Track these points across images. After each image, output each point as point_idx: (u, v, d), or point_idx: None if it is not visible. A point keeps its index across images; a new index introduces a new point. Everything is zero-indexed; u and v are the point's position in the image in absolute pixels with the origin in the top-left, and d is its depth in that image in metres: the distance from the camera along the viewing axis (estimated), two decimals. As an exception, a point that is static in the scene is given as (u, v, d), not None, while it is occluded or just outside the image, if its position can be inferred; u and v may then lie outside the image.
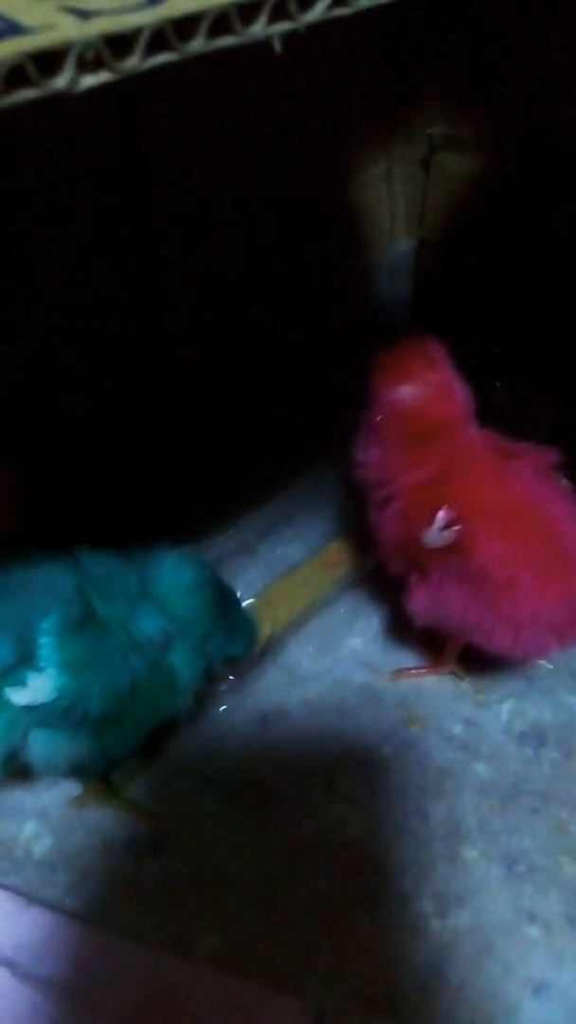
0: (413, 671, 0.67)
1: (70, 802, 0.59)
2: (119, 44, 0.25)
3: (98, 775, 0.58)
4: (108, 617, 0.51)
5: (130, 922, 0.54)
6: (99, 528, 0.55)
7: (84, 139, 0.60)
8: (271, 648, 0.67)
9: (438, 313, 0.81)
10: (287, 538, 0.73)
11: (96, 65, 0.25)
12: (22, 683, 0.48)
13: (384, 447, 0.58)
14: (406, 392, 0.56)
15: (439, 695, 0.65)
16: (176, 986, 0.49)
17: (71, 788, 0.60)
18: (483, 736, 0.63)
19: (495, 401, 0.64)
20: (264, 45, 0.29)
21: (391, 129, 0.81)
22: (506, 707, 0.64)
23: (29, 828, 0.58)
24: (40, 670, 0.48)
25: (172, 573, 0.54)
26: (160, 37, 0.26)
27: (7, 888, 0.54)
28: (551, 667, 0.66)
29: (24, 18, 0.24)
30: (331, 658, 0.68)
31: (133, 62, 0.26)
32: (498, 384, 0.72)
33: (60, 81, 0.25)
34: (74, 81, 0.25)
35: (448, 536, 0.53)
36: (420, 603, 0.59)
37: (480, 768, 0.61)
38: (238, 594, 0.65)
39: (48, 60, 0.24)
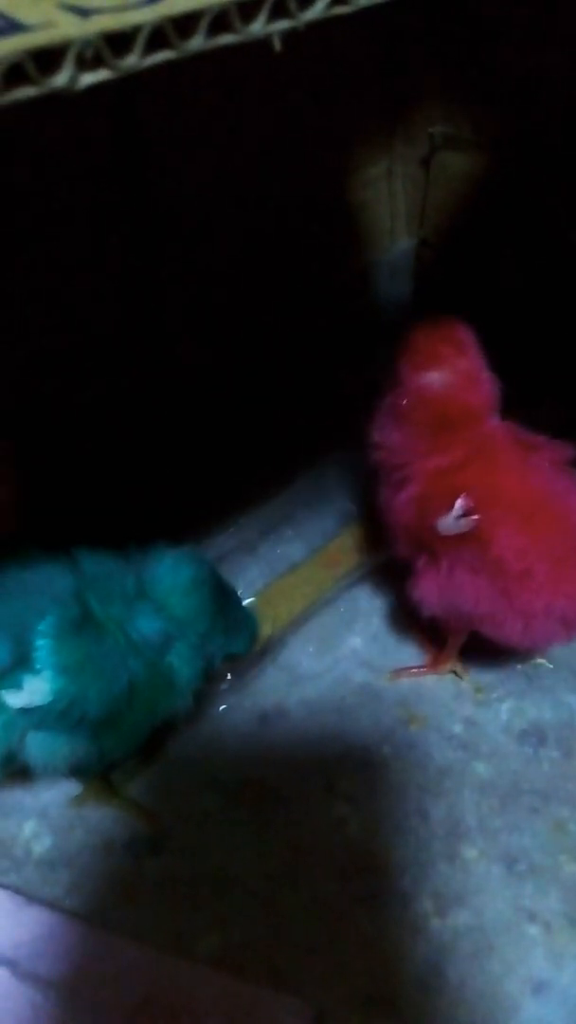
0: (413, 670, 0.66)
1: (70, 801, 0.59)
2: (119, 42, 0.25)
3: (98, 775, 0.58)
4: (105, 618, 0.51)
5: (130, 921, 0.53)
6: (99, 528, 0.55)
7: (84, 138, 0.60)
8: (271, 647, 0.67)
9: (439, 312, 0.81)
10: (287, 537, 0.73)
11: (96, 63, 0.25)
12: (18, 686, 0.47)
13: (405, 431, 0.57)
14: (434, 378, 0.55)
15: (439, 694, 0.65)
16: (176, 986, 0.49)
17: (71, 787, 0.60)
18: (483, 735, 0.63)
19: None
20: (264, 43, 0.29)
21: (391, 128, 0.81)
22: (506, 706, 0.64)
23: (29, 827, 0.58)
24: (36, 672, 0.48)
25: (170, 572, 0.54)
26: (160, 35, 0.26)
27: (7, 887, 0.54)
28: (551, 666, 0.66)
29: (24, 16, 0.24)
30: (331, 657, 0.68)
31: (133, 60, 0.26)
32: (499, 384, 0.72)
33: (60, 79, 0.24)
34: (74, 79, 0.25)
35: (464, 525, 0.53)
36: (428, 591, 0.58)
37: (480, 767, 0.61)
38: (238, 593, 0.65)
39: (48, 58, 0.24)
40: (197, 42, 0.27)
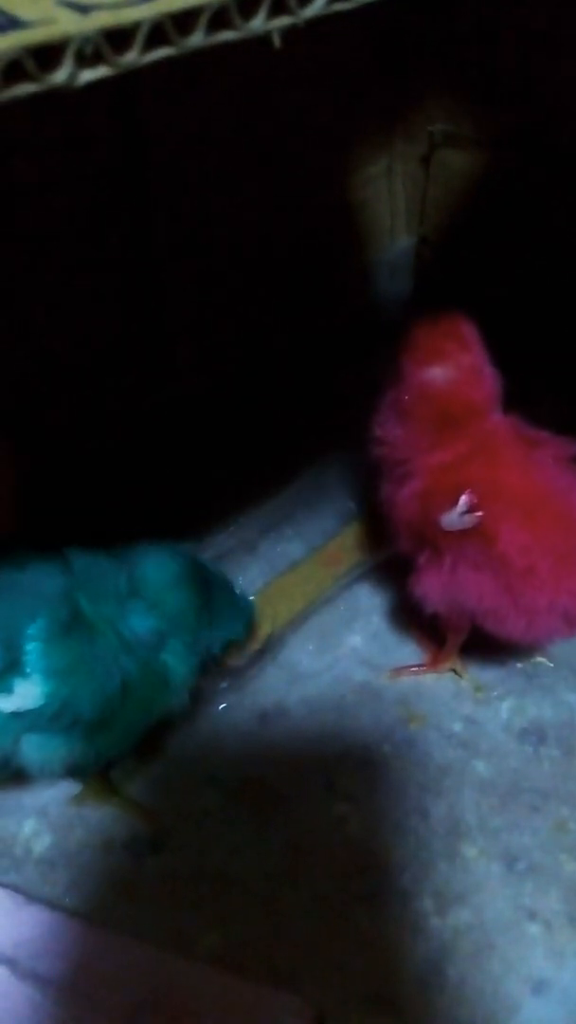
0: (413, 669, 0.66)
1: (70, 800, 0.59)
2: (118, 38, 0.25)
3: (97, 774, 0.58)
4: (97, 618, 0.50)
5: (130, 920, 0.53)
6: (99, 528, 0.55)
7: (84, 137, 0.60)
8: (271, 646, 0.67)
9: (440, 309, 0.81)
10: (287, 536, 0.73)
11: (95, 60, 0.25)
12: (9, 690, 0.47)
13: (408, 427, 0.57)
14: (437, 374, 0.55)
15: (439, 693, 0.65)
16: (176, 984, 0.49)
17: (71, 786, 0.60)
18: (483, 734, 0.62)
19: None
20: (264, 40, 0.29)
21: (391, 126, 0.81)
22: (506, 705, 0.64)
23: (29, 826, 0.58)
24: (27, 676, 0.47)
25: (156, 569, 0.53)
26: (159, 32, 0.26)
27: (6, 886, 0.54)
28: (551, 665, 0.66)
29: (23, 12, 0.24)
30: (331, 656, 0.68)
31: (132, 57, 0.26)
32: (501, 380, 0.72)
33: (59, 76, 0.24)
34: (73, 76, 0.25)
35: (468, 520, 0.53)
36: (431, 587, 0.58)
37: (480, 766, 0.61)
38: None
39: (47, 54, 0.24)
40: (197, 39, 0.27)
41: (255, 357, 0.79)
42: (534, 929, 0.53)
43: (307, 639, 0.69)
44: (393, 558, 0.67)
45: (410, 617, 0.68)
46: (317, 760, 0.61)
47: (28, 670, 0.47)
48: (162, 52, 0.26)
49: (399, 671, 0.66)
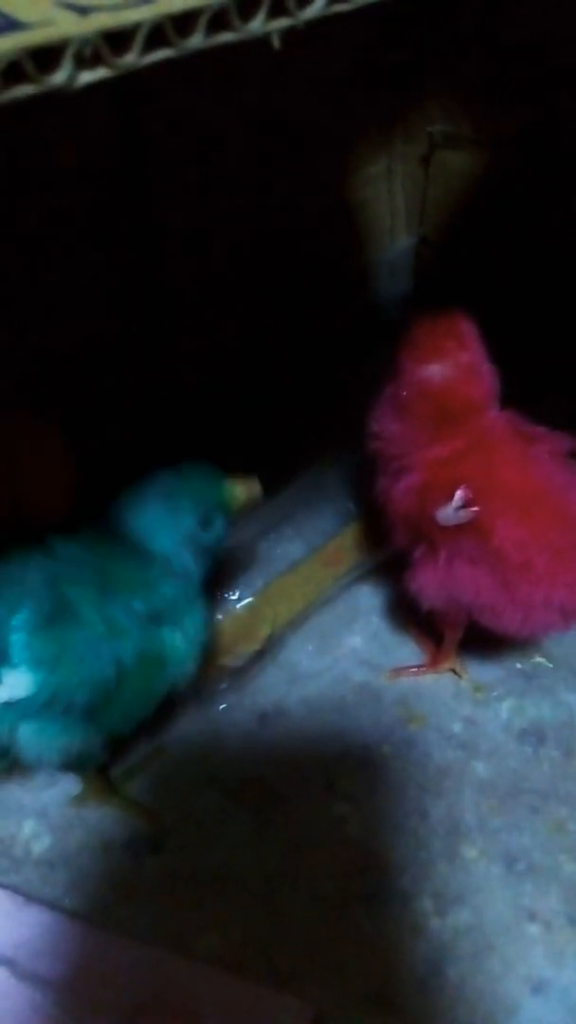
0: (412, 669, 0.66)
1: (69, 800, 0.59)
2: (117, 40, 0.25)
3: (96, 768, 0.58)
4: (83, 606, 0.50)
5: (129, 921, 0.54)
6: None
7: (84, 138, 0.60)
8: (271, 646, 0.67)
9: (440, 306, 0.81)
10: (287, 536, 0.73)
11: (94, 61, 0.25)
12: None
13: (405, 422, 0.57)
14: (435, 371, 0.55)
15: (438, 693, 0.65)
16: (175, 985, 0.49)
17: (70, 786, 0.60)
18: (482, 734, 0.63)
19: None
20: (263, 42, 0.29)
21: (391, 127, 0.81)
22: (505, 705, 0.64)
23: (28, 827, 0.58)
24: (15, 667, 0.48)
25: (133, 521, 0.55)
26: (159, 33, 0.26)
27: (6, 887, 0.54)
28: (551, 665, 0.66)
29: (22, 14, 0.24)
30: (331, 656, 0.68)
31: (131, 58, 0.26)
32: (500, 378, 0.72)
33: (58, 77, 0.24)
34: (72, 77, 0.25)
35: (463, 516, 0.53)
36: (427, 581, 0.58)
37: (479, 766, 0.61)
38: (236, 594, 0.65)
39: (46, 56, 0.24)
40: (196, 40, 0.27)
41: (255, 357, 0.79)
42: (534, 929, 0.53)
43: (307, 639, 0.69)
44: (393, 559, 0.67)
45: (408, 617, 0.68)
46: (317, 760, 0.61)
47: (15, 661, 0.48)
48: (161, 54, 0.26)
49: (399, 671, 0.67)
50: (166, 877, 0.56)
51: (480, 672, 0.66)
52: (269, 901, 0.54)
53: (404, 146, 0.81)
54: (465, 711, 0.64)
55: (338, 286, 0.85)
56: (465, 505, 0.53)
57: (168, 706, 0.63)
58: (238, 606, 0.64)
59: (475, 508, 0.53)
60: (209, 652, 0.58)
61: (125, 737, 0.57)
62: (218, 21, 0.27)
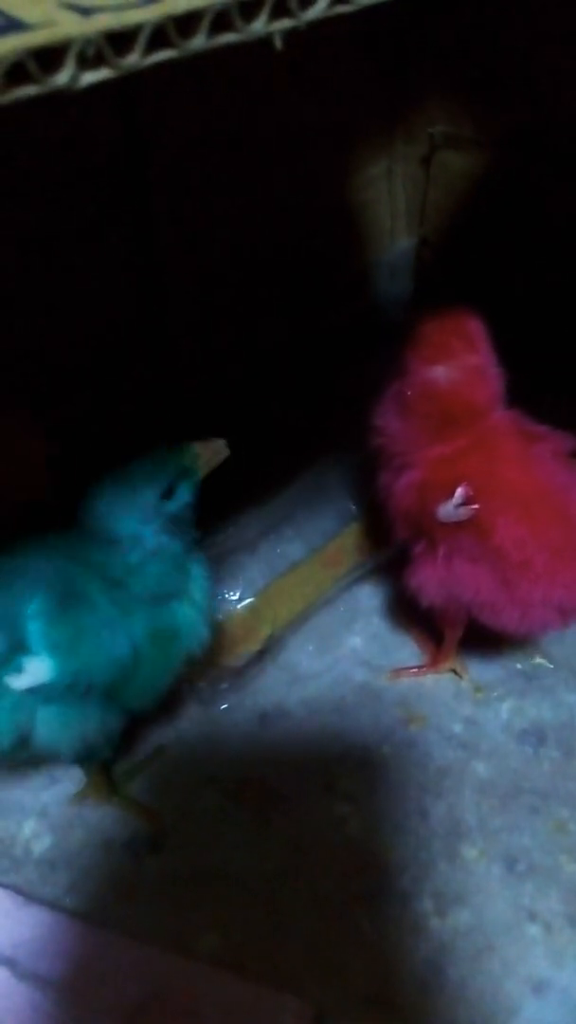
0: (413, 670, 0.66)
1: (70, 800, 0.59)
2: (120, 41, 0.25)
3: (101, 764, 0.58)
4: (90, 590, 0.51)
5: (129, 920, 0.54)
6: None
7: (86, 138, 0.60)
8: (271, 647, 0.67)
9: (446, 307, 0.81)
10: (287, 537, 0.73)
11: (97, 62, 0.25)
12: (19, 669, 0.48)
13: (408, 421, 0.56)
14: (441, 373, 0.54)
15: (438, 694, 0.65)
16: (176, 985, 0.49)
17: (70, 786, 0.60)
18: (483, 735, 0.63)
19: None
20: (265, 42, 0.29)
21: (391, 128, 0.81)
22: (506, 706, 0.64)
23: (28, 826, 0.58)
24: (35, 654, 0.48)
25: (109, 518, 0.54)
26: (161, 34, 0.26)
27: (6, 887, 0.54)
28: (551, 666, 0.66)
29: (25, 15, 0.24)
30: (331, 657, 0.68)
31: (134, 59, 0.26)
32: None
33: (61, 78, 0.25)
34: (75, 78, 0.25)
35: (464, 513, 0.53)
36: (426, 578, 0.58)
37: (480, 767, 0.61)
38: (236, 594, 0.65)
39: (49, 57, 0.24)
40: (198, 41, 0.27)
41: (255, 357, 0.79)
42: (534, 930, 0.53)
43: (307, 640, 0.69)
44: (393, 559, 0.67)
45: (408, 617, 0.68)
46: (317, 760, 0.61)
47: (34, 648, 0.48)
48: (164, 54, 0.26)
49: (399, 672, 0.67)
50: (166, 877, 0.56)
51: (480, 672, 0.66)
52: (269, 901, 0.54)
53: (405, 147, 0.81)
54: (465, 711, 0.64)
55: (338, 287, 0.85)
56: (466, 503, 0.53)
57: (169, 706, 0.64)
58: (238, 606, 0.64)
59: (475, 506, 0.53)
60: (209, 652, 0.58)
61: (145, 715, 0.57)
62: (220, 22, 0.27)
